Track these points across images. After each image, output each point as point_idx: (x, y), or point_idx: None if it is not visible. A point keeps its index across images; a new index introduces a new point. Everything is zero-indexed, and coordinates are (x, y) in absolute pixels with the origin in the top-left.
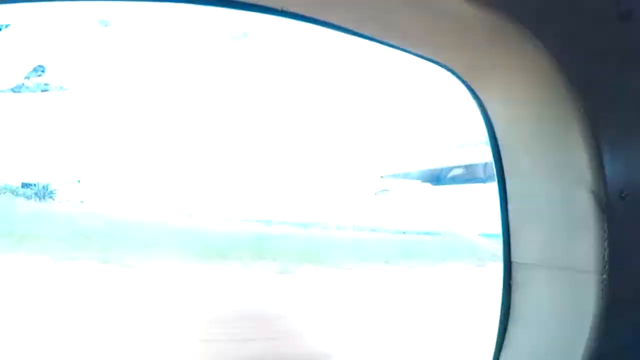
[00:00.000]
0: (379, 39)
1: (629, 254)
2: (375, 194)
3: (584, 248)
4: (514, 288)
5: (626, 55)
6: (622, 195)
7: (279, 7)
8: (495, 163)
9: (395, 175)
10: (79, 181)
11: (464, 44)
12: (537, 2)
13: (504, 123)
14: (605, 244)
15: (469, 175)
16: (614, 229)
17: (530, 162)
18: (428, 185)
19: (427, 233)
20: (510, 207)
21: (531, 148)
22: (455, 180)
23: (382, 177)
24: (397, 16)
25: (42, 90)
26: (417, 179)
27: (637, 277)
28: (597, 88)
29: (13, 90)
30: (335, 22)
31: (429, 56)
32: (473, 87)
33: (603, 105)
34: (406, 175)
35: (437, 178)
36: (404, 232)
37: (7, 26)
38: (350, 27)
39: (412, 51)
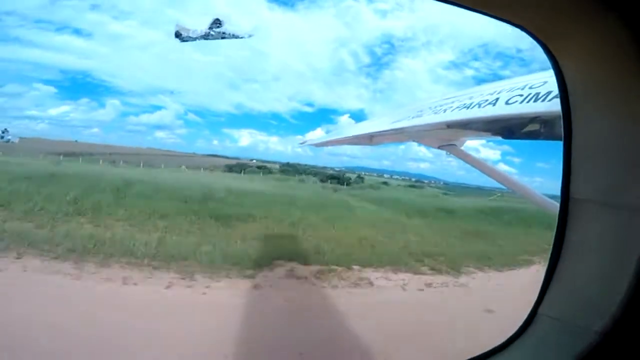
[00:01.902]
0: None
1: None
2: (440, 146)
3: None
4: (569, 222)
5: None
6: None
7: None
8: (563, 105)
9: (462, 125)
10: None
11: (539, 5)
12: None
13: (573, 74)
14: None
15: (547, 130)
16: None
17: (595, 106)
18: (498, 138)
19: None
20: (573, 143)
21: (597, 96)
22: (530, 134)
23: (448, 126)
24: None
25: (222, 38)
26: (488, 130)
27: None
28: None
29: (204, 37)
30: None
31: (505, 17)
32: (547, 45)
33: None
34: (476, 125)
35: (509, 131)
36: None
37: None
38: None
39: (488, 12)
